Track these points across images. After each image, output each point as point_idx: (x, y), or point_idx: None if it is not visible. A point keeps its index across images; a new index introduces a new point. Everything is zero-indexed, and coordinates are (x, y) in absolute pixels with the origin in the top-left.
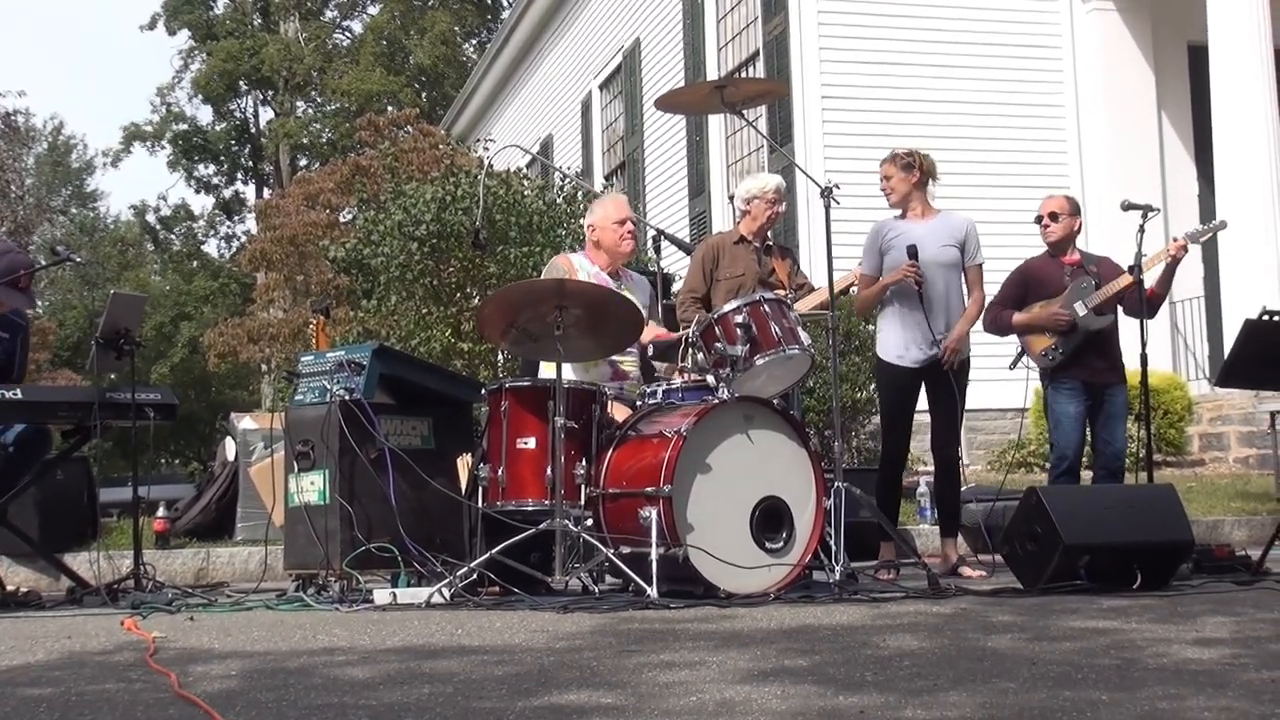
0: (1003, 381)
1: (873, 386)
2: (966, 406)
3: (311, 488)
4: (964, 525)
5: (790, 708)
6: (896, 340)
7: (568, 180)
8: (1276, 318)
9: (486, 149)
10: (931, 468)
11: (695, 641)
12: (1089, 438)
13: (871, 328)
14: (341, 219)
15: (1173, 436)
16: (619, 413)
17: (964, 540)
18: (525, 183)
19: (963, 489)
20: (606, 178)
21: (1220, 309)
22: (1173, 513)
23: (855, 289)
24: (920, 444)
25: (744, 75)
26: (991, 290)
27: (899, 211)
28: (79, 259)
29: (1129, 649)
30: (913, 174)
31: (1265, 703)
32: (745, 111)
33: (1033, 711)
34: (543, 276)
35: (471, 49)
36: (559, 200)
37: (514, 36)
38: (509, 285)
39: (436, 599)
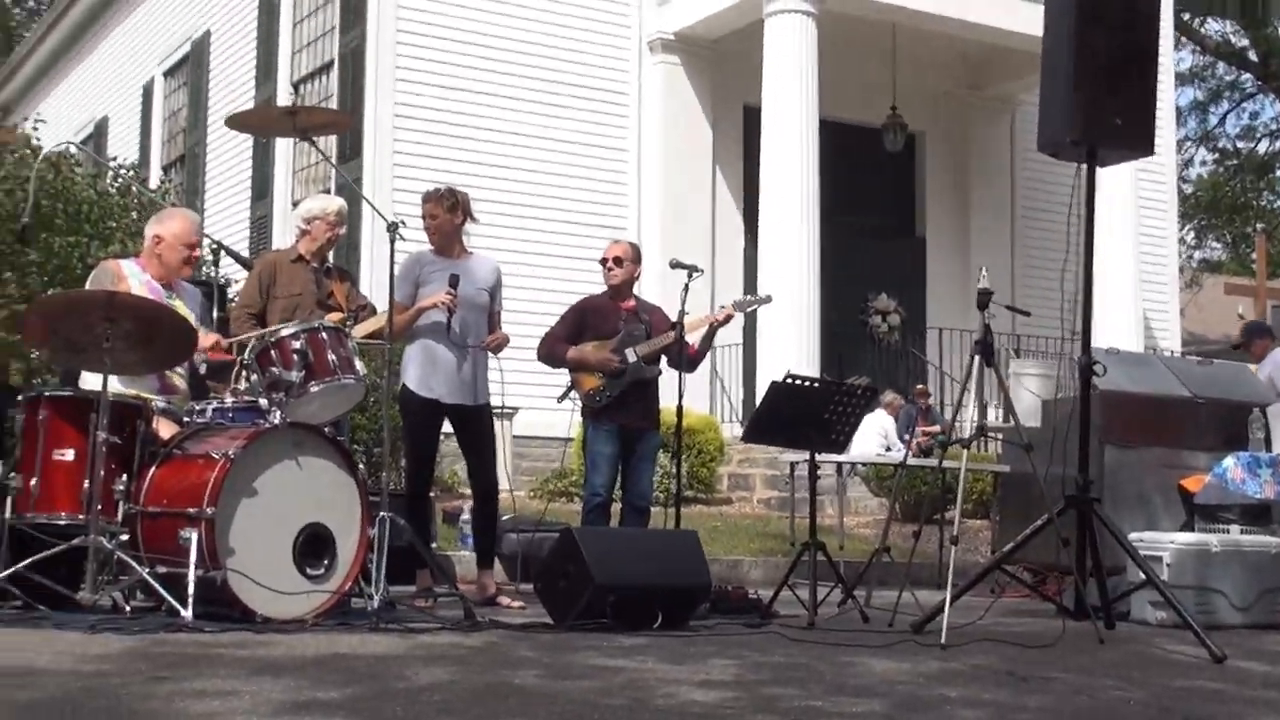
0: (551, 411)
1: None
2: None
3: None
4: (503, 554)
5: None
6: (423, 372)
7: (125, 172)
8: (799, 381)
9: (36, 129)
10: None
11: (229, 669)
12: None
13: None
14: None
15: (704, 475)
16: (165, 429)
17: (502, 569)
18: (77, 169)
19: (504, 518)
20: (165, 169)
21: (755, 357)
22: (694, 557)
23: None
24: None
25: (317, 84)
26: (549, 320)
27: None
28: None
29: (642, 688)
30: (457, 214)
31: None
32: (315, 138)
33: None
34: (90, 282)
35: (23, 13)
36: (112, 190)
37: (74, 5)
38: (56, 294)
39: None
